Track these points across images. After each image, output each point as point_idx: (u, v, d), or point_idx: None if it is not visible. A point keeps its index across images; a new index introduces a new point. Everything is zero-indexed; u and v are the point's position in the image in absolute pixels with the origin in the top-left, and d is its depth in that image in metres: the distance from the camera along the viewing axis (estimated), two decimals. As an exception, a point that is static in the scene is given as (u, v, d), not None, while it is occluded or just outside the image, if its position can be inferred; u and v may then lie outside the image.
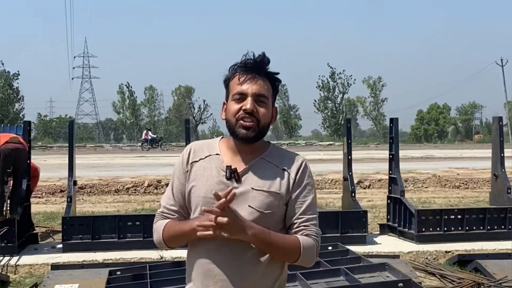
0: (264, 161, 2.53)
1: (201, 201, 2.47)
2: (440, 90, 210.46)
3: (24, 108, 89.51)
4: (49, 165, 32.61)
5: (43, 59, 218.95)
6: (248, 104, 2.45)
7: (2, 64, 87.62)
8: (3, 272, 7.63)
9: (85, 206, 14.63)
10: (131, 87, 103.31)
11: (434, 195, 17.05)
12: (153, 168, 25.74)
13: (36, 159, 34.25)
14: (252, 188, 2.46)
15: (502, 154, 10.43)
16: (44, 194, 16.90)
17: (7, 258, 8.36)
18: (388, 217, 10.47)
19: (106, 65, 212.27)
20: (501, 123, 10.54)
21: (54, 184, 18.81)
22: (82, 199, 16.36)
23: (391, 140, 10.43)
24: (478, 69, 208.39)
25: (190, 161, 2.55)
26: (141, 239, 9.01)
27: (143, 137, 55.23)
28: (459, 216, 9.76)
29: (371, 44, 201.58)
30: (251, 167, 2.51)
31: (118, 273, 6.20)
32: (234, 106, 2.48)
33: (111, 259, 8.35)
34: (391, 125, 10.42)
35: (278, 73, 2.59)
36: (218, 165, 2.51)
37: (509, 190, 10.26)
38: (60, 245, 9.00)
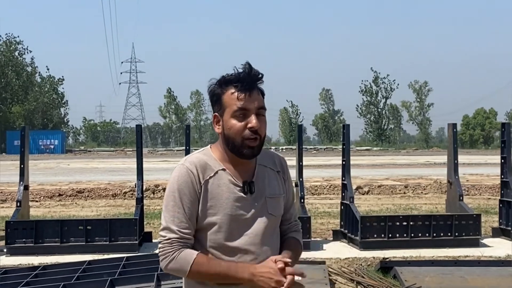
0: (262, 167, 2.63)
1: (227, 219, 2.50)
2: (487, 94, 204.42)
3: (68, 113, 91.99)
4: (69, 169, 33.57)
5: (90, 65, 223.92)
6: (253, 121, 2.48)
7: (48, 69, 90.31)
8: None
9: (71, 210, 15.02)
10: (173, 92, 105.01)
11: (426, 201, 16.86)
12: (168, 172, 26.09)
13: (73, 162, 35.15)
14: (267, 197, 2.59)
15: (455, 161, 10.32)
16: (42, 197, 17.41)
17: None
18: (342, 223, 10.48)
19: (153, 70, 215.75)
20: (455, 129, 10.42)
21: (60, 188, 19.40)
22: (76, 203, 16.79)
23: (343, 147, 10.42)
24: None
25: (201, 180, 2.52)
26: (84, 243, 9.27)
27: None
28: (404, 223, 9.70)
29: (416, 48, 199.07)
30: (257, 176, 2.61)
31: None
32: (237, 124, 2.49)
33: (45, 263, 8.61)
34: (343, 131, 10.42)
35: (263, 76, 2.58)
36: (231, 180, 2.55)
37: (461, 197, 10.16)
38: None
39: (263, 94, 2.59)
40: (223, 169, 2.56)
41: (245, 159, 2.55)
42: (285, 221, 2.75)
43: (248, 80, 2.52)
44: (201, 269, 2.44)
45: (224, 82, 2.54)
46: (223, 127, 2.55)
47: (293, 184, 2.82)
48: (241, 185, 2.55)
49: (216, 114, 2.58)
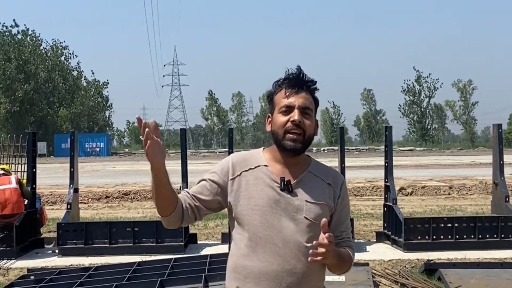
0: (311, 175, 2.65)
1: (258, 209, 2.55)
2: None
3: (111, 115, 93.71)
4: (115, 171, 34.14)
5: (133, 69, 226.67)
6: (296, 115, 2.54)
7: (93, 73, 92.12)
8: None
9: (118, 212, 15.34)
10: (214, 94, 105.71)
11: (472, 202, 16.65)
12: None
13: (118, 164, 35.80)
14: (306, 201, 2.57)
15: (501, 162, 10.20)
16: (90, 200, 17.81)
17: (5, 261, 9.05)
18: (385, 225, 10.47)
19: (195, 73, 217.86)
20: (500, 130, 10.31)
21: (106, 190, 19.80)
22: (122, 205, 17.13)
23: (386, 148, 10.41)
24: None
25: (239, 169, 2.62)
26: (131, 244, 9.50)
27: None
28: (448, 225, 9.66)
29: (461, 46, 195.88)
30: (302, 179, 2.62)
31: (32, 277, 6.69)
32: (281, 118, 2.57)
33: (95, 263, 8.85)
34: (386, 133, 10.41)
35: (316, 83, 2.68)
36: (269, 176, 2.59)
37: (507, 198, 10.05)
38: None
39: (316, 101, 2.68)
40: (265, 165, 2.63)
41: (288, 153, 2.58)
42: (335, 237, 2.60)
43: (296, 79, 2.62)
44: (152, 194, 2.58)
45: (278, 84, 2.66)
46: (271, 125, 2.64)
47: (349, 207, 2.78)
48: (279, 181, 2.57)
49: (269, 114, 2.69)
